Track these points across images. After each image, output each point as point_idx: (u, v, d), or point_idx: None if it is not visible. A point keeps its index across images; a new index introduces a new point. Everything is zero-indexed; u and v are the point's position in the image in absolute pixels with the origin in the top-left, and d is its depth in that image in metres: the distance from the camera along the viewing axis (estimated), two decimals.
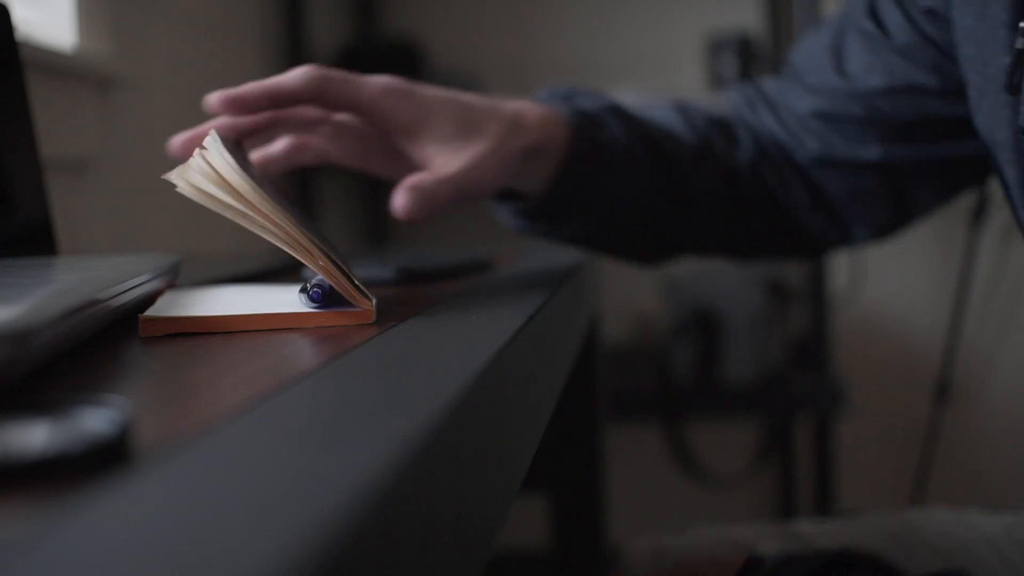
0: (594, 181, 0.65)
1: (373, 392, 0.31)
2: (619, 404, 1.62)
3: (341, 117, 0.62)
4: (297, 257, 0.44)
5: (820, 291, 1.69)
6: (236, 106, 0.55)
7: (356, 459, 0.22)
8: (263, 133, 0.60)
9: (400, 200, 0.54)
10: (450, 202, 0.55)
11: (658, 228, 0.72)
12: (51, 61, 0.95)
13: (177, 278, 0.53)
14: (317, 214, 1.74)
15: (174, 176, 0.44)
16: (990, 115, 0.60)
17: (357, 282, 0.44)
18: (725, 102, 0.79)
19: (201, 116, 0.56)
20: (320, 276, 0.44)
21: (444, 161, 0.57)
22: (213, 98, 0.54)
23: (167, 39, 1.25)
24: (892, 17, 0.68)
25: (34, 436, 0.23)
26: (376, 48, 1.90)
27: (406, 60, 1.86)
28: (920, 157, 0.71)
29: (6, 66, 0.60)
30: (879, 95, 0.69)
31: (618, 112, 0.68)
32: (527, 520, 1.43)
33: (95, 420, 0.23)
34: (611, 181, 0.66)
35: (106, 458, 0.22)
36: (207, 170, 0.43)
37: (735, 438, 2.02)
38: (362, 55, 1.84)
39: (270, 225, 0.43)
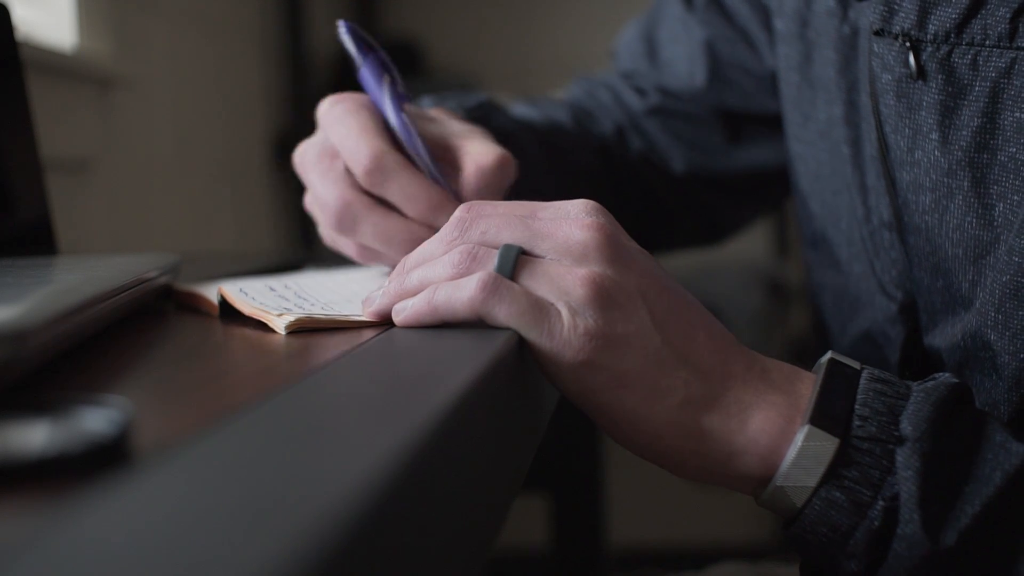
0: None
1: (373, 392, 0.31)
2: None
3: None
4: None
5: None
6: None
7: (356, 459, 0.22)
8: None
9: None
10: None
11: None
12: (51, 61, 0.95)
13: (177, 278, 0.53)
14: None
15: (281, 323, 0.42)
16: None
17: None
18: (565, 95, 0.79)
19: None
20: None
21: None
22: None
23: (167, 39, 1.25)
24: None
25: (34, 436, 0.23)
26: None
27: (406, 60, 1.86)
28: (721, 167, 0.72)
29: (6, 66, 0.60)
30: (696, 90, 0.71)
31: (494, 104, 0.67)
32: (527, 520, 1.43)
33: (95, 420, 0.23)
34: None
35: (106, 458, 0.22)
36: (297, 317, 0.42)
37: None
38: None
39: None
